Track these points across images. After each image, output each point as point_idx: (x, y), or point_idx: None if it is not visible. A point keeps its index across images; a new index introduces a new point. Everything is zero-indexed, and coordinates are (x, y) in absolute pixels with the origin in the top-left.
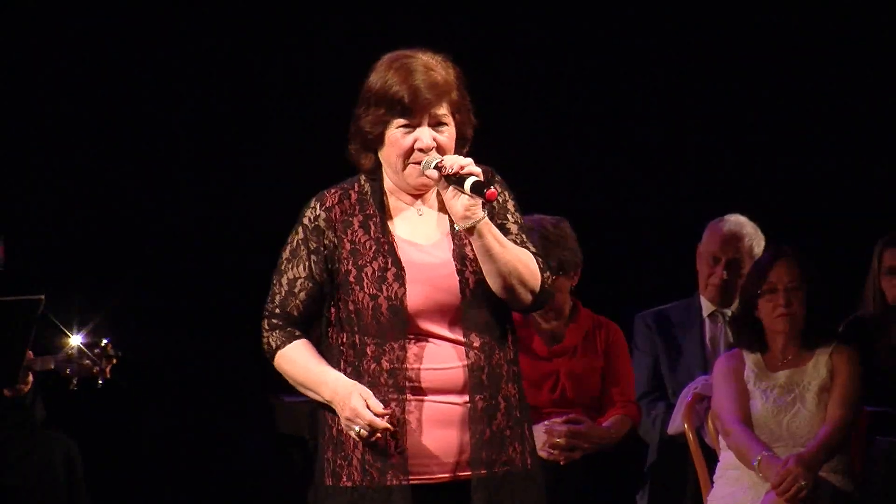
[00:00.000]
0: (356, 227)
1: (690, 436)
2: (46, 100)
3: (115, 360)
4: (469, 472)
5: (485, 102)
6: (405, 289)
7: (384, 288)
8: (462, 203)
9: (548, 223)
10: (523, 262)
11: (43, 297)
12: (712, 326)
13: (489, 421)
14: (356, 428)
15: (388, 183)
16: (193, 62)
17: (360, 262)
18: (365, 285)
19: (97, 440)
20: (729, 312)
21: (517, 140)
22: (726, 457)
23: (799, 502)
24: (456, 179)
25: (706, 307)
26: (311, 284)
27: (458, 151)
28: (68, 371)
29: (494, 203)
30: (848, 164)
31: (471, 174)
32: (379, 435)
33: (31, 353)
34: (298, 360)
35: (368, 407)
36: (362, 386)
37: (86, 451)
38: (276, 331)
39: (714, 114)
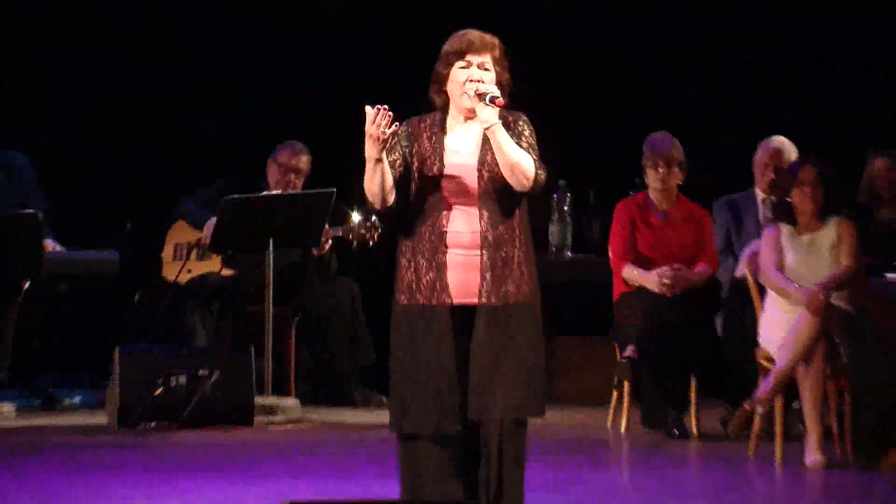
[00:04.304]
0: (423, 139)
1: (749, 277)
2: None
3: (379, 229)
4: (478, 301)
5: None
6: (442, 176)
7: (430, 177)
8: (483, 111)
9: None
10: (523, 157)
11: (334, 189)
12: (764, 209)
13: (494, 267)
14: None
15: (452, 112)
16: None
17: (421, 160)
18: (422, 174)
19: (370, 283)
20: (771, 199)
21: None
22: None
23: (821, 312)
24: (482, 97)
25: (760, 196)
26: (386, 168)
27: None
28: (350, 237)
29: (514, 129)
30: None
31: (490, 93)
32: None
33: (327, 225)
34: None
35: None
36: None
37: (363, 290)
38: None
39: None
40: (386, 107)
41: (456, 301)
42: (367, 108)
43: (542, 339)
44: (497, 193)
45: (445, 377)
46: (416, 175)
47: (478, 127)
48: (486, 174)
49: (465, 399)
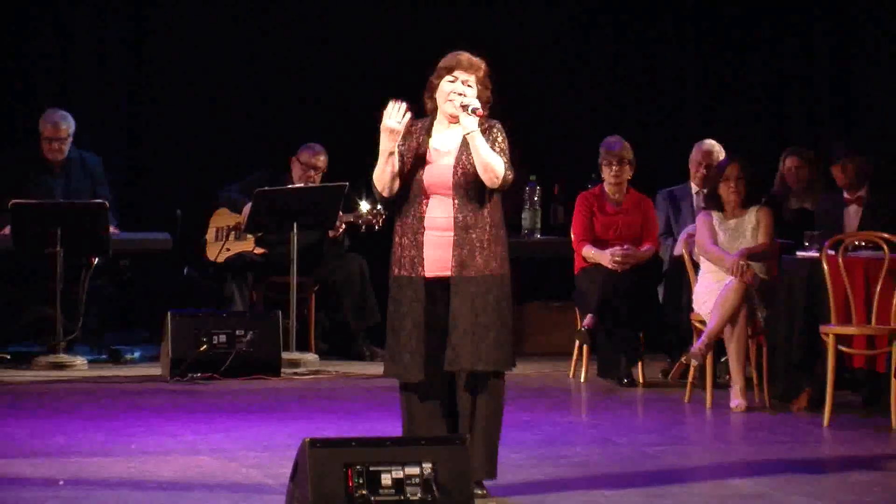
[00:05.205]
0: (412, 139)
1: (685, 255)
2: None
3: (384, 215)
4: (450, 273)
5: None
6: (424, 170)
7: (416, 170)
8: (465, 119)
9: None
10: (494, 160)
11: (347, 183)
12: (697, 199)
13: (463, 245)
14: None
15: (438, 118)
16: None
17: (410, 156)
18: (411, 168)
19: (375, 258)
20: (703, 191)
21: None
22: (704, 265)
23: (743, 274)
24: (466, 108)
25: (694, 189)
26: (396, 160)
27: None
28: (359, 221)
29: (489, 135)
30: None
31: (472, 105)
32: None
33: (341, 212)
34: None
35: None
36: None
37: (371, 264)
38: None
39: None
40: (401, 101)
41: (429, 274)
42: (390, 103)
43: (509, 304)
44: (468, 186)
45: (414, 336)
46: (406, 169)
47: (458, 131)
48: (459, 170)
49: (430, 354)
